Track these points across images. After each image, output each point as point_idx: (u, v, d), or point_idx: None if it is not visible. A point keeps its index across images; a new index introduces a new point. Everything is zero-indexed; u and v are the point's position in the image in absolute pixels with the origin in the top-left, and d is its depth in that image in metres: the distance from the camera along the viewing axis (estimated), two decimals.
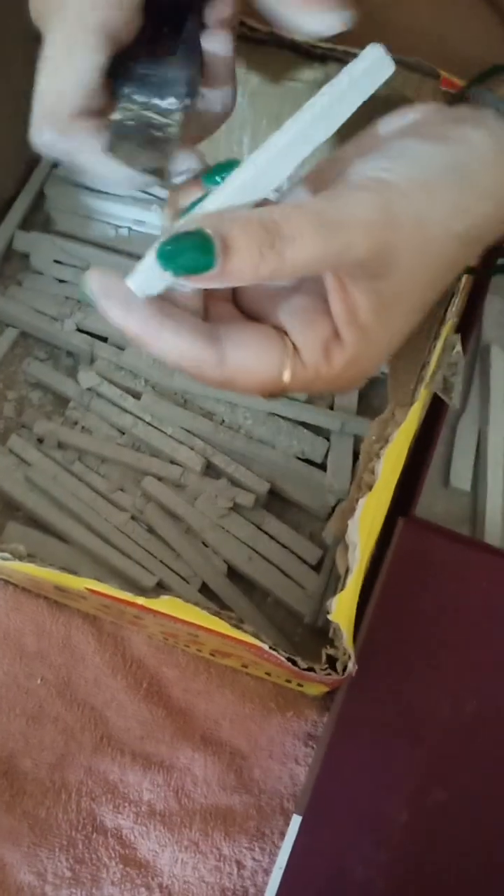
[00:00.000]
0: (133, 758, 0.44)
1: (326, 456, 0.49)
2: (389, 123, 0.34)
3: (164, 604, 0.34)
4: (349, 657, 0.34)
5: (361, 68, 0.31)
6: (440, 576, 0.43)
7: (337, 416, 0.49)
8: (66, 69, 0.33)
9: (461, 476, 0.49)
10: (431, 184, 0.31)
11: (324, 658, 0.34)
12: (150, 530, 0.46)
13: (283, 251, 0.29)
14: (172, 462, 0.48)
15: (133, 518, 0.47)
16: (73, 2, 0.33)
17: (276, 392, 0.32)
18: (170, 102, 0.34)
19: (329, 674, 0.33)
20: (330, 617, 0.33)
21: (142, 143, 0.34)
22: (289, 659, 0.33)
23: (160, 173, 0.34)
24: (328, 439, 0.49)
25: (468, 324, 0.50)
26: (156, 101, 0.34)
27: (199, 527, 0.46)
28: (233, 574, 0.46)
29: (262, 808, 0.43)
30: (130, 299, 0.30)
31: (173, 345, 0.31)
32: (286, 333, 0.32)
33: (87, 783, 0.43)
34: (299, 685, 0.43)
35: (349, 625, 0.34)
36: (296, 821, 0.39)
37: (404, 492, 0.47)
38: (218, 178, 0.32)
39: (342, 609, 0.34)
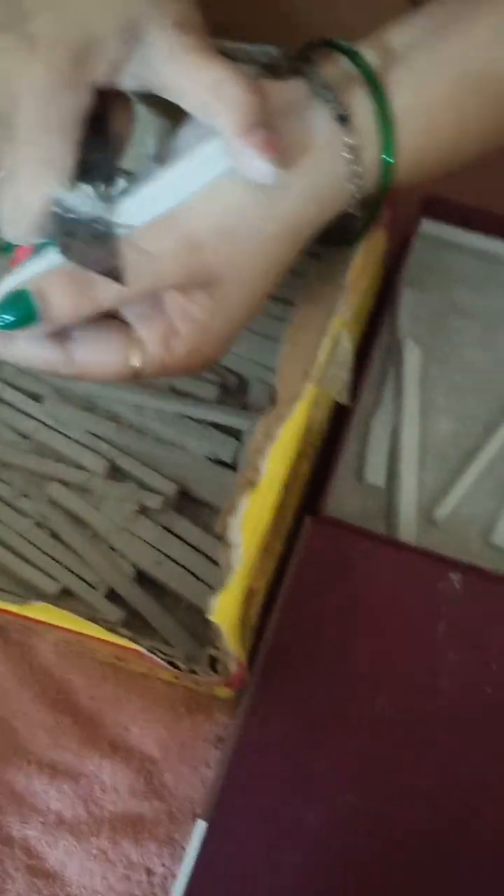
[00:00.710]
0: (40, 767, 0.43)
1: (237, 456, 0.48)
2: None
3: (34, 610, 0.33)
4: (231, 658, 0.33)
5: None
6: (350, 573, 0.43)
7: (247, 415, 0.49)
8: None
9: (375, 472, 0.49)
10: (229, 198, 0.34)
11: (207, 660, 0.34)
12: (55, 536, 0.46)
13: (94, 296, 0.34)
14: (78, 467, 0.47)
15: (38, 524, 0.46)
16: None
17: (131, 378, 0.36)
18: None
19: (211, 675, 0.33)
20: (210, 617, 0.33)
21: (89, 241, 0.34)
22: (169, 662, 0.33)
23: (115, 274, 0.34)
24: (238, 439, 0.48)
25: (380, 317, 0.50)
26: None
27: (105, 531, 0.46)
28: (142, 578, 0.46)
29: (172, 813, 0.43)
30: None
31: (25, 350, 0.35)
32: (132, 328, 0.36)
33: None
34: (208, 687, 0.43)
35: (231, 625, 0.33)
36: (200, 826, 0.39)
37: (316, 489, 0.47)
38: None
39: (223, 609, 0.33)
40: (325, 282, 0.41)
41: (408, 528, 0.47)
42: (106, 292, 0.34)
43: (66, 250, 0.34)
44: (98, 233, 0.34)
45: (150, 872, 0.41)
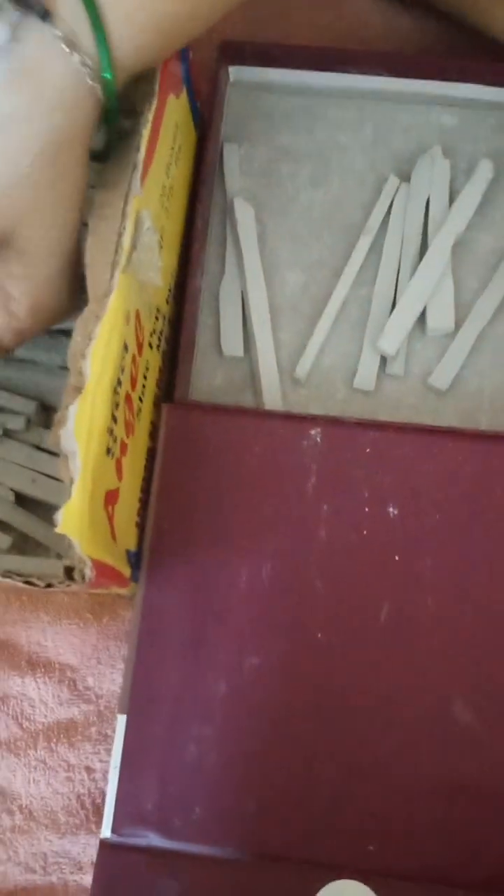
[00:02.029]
0: None
1: None
2: None
3: None
4: (86, 564, 0.34)
5: None
6: (216, 451, 0.43)
7: None
8: None
9: (232, 343, 0.48)
10: None
11: (62, 571, 0.34)
12: None
13: None
14: None
15: None
16: None
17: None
18: None
19: (69, 585, 0.33)
20: (57, 530, 0.33)
21: None
22: (26, 581, 0.33)
23: None
24: None
25: (206, 181, 0.48)
26: None
27: None
28: (22, 500, 0.46)
29: (101, 712, 0.44)
30: None
31: None
32: None
33: None
34: (107, 589, 0.44)
35: (80, 533, 0.33)
36: (121, 720, 0.40)
37: (171, 376, 0.46)
38: None
39: (70, 519, 0.33)
40: (121, 166, 0.40)
41: (272, 393, 0.47)
42: None
43: None
44: None
45: (89, 770, 0.43)
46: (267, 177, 0.50)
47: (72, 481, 0.34)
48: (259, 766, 0.40)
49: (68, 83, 0.34)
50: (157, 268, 0.38)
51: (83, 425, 0.35)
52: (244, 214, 0.49)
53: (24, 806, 0.43)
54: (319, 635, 0.41)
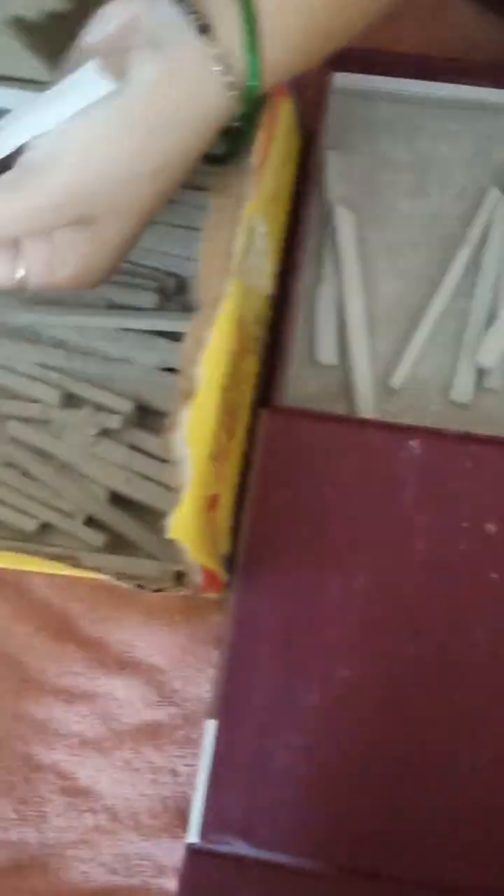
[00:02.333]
0: (55, 695, 0.45)
1: None
2: (92, 35, 0.34)
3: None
4: (196, 570, 0.34)
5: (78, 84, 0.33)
6: (313, 458, 0.43)
7: (189, 318, 0.48)
8: None
9: (327, 350, 0.48)
10: (104, 138, 0.34)
11: (172, 576, 0.34)
12: (24, 473, 0.46)
13: None
14: (32, 401, 0.47)
15: (6, 465, 0.46)
16: None
17: (15, 288, 0.37)
18: None
19: (179, 589, 0.33)
20: (168, 536, 0.33)
21: None
22: (137, 585, 0.33)
23: None
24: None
25: (307, 189, 0.48)
26: None
27: (71, 460, 0.46)
28: (117, 499, 0.46)
29: (187, 716, 0.44)
30: None
31: None
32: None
33: (16, 728, 0.44)
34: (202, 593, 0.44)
35: (191, 539, 0.34)
36: (211, 725, 0.40)
37: (268, 382, 0.46)
38: None
39: (181, 526, 0.33)
40: (234, 172, 0.40)
41: (367, 402, 0.46)
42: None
43: None
44: None
45: (175, 774, 0.43)
46: (366, 185, 0.50)
47: (182, 487, 0.34)
48: (348, 778, 0.40)
49: (212, 100, 0.34)
50: (268, 274, 0.38)
51: (194, 431, 0.35)
52: (344, 222, 0.49)
53: (108, 806, 0.43)
54: (412, 650, 0.40)
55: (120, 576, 0.33)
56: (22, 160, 0.35)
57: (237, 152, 0.39)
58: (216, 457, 0.38)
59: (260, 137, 0.39)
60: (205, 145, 0.36)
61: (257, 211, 0.38)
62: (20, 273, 0.36)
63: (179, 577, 0.34)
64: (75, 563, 0.33)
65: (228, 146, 0.38)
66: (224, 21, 0.33)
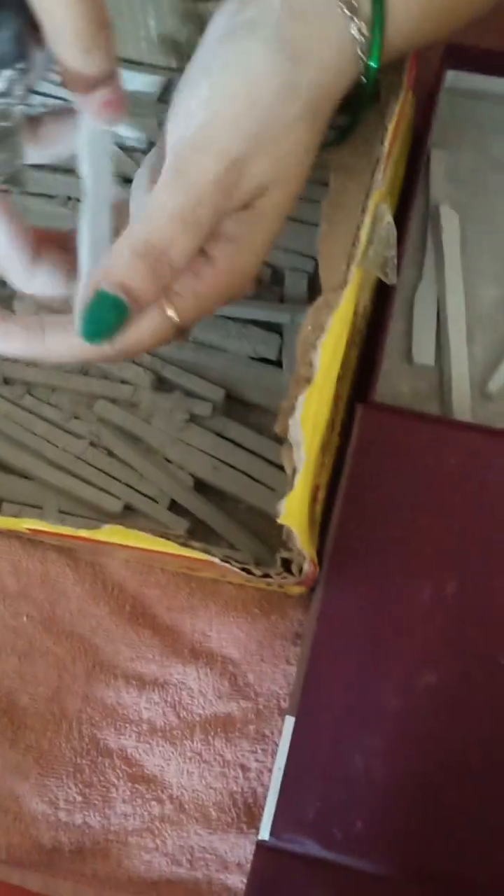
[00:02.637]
0: (127, 680, 0.44)
1: (281, 352, 0.47)
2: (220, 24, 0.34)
3: (105, 533, 0.33)
4: (305, 558, 0.33)
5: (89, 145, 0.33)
6: (407, 458, 0.42)
7: (286, 308, 0.47)
8: None
9: (424, 351, 0.47)
10: (250, 95, 0.32)
11: (279, 562, 0.34)
12: (111, 454, 0.45)
13: (171, 261, 0.32)
14: (122, 382, 0.46)
15: (92, 444, 0.45)
16: None
17: (178, 337, 0.34)
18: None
19: (285, 577, 0.33)
20: (280, 520, 0.32)
21: None
22: (243, 568, 0.33)
23: (15, 180, 0.32)
24: (280, 334, 0.47)
25: (413, 185, 0.47)
26: None
27: (159, 444, 0.45)
28: (201, 486, 0.45)
29: (259, 711, 0.43)
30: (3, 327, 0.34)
31: (65, 346, 0.34)
32: None
33: (85, 710, 0.44)
34: (280, 586, 0.43)
35: (302, 526, 0.33)
36: (289, 721, 0.40)
37: (366, 376, 0.45)
38: None
39: (292, 511, 0.33)
40: (358, 153, 0.39)
41: (462, 406, 0.46)
42: (179, 253, 0.32)
43: None
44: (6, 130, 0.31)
45: (244, 768, 0.43)
46: (472, 186, 0.49)
47: (295, 471, 0.33)
48: (427, 786, 0.39)
49: (342, 47, 0.33)
50: (393, 265, 0.37)
51: (309, 417, 0.34)
52: (449, 222, 0.48)
53: (174, 796, 0.42)
54: (502, 661, 0.39)
55: (227, 559, 0.32)
56: (171, 148, 0.34)
57: (355, 127, 0.38)
58: (324, 446, 0.37)
59: (389, 127, 0.38)
60: (337, 98, 0.35)
61: (383, 200, 0.38)
62: (171, 313, 0.34)
63: (287, 565, 0.34)
64: (184, 542, 0.32)
65: (349, 119, 0.37)
66: None
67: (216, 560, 0.32)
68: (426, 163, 0.49)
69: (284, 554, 0.34)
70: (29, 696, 0.44)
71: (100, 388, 0.46)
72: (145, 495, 0.45)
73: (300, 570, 0.33)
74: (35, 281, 0.36)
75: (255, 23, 0.32)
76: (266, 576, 0.33)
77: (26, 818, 0.42)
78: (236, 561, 0.32)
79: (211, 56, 0.33)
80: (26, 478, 0.45)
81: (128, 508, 0.45)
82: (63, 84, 0.31)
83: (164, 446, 0.45)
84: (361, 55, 0.34)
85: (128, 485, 0.45)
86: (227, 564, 0.32)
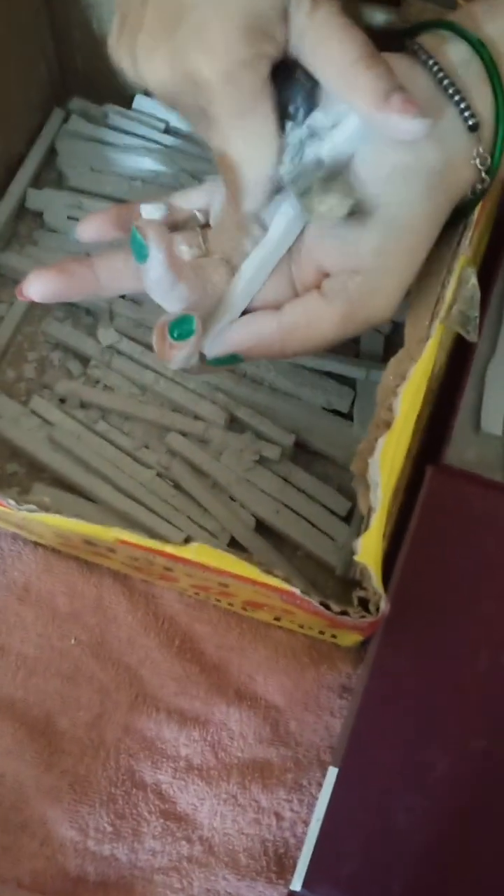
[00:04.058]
0: (169, 714, 0.44)
1: (353, 406, 0.48)
2: None
3: (192, 551, 0.34)
4: (380, 597, 0.33)
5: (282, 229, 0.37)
6: (472, 523, 0.42)
7: (362, 364, 0.48)
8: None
9: (493, 420, 0.48)
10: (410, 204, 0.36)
11: (355, 601, 0.34)
12: (177, 486, 0.46)
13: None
14: (196, 417, 0.47)
15: (159, 475, 0.46)
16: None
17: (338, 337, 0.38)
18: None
19: (363, 616, 0.33)
20: (356, 558, 0.32)
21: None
22: (321, 603, 0.33)
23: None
24: (354, 388, 0.48)
25: (493, 263, 0.49)
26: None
27: (225, 481, 0.46)
28: (261, 528, 0.46)
29: (298, 760, 0.43)
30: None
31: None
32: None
33: (124, 740, 0.43)
34: (333, 636, 0.43)
35: (377, 564, 0.33)
36: (332, 772, 0.39)
37: (433, 439, 0.46)
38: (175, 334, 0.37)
39: (368, 549, 0.33)
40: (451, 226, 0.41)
41: None
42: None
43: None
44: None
45: (279, 817, 0.42)
46: None
47: (371, 510, 0.34)
48: (470, 853, 0.38)
49: (466, 188, 0.37)
50: (475, 325, 0.38)
51: (387, 459, 0.35)
52: None
53: (205, 837, 0.42)
54: None
55: (306, 592, 0.32)
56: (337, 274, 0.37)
57: (456, 222, 0.40)
58: (395, 493, 0.37)
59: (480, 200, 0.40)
60: (450, 209, 0.38)
61: (469, 265, 0.39)
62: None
63: (364, 604, 0.34)
64: (266, 570, 0.33)
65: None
66: (486, 121, 0.36)
67: (296, 591, 0.32)
68: None
69: (360, 593, 0.34)
70: (69, 720, 0.44)
71: (173, 420, 0.47)
72: (206, 530, 0.45)
73: (377, 609, 0.33)
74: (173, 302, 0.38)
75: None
76: (344, 613, 0.33)
77: (54, 844, 0.42)
78: (314, 593, 0.33)
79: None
80: (91, 501, 0.46)
81: (188, 541, 0.45)
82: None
83: (230, 484, 0.46)
84: (481, 170, 0.37)
85: (190, 518, 0.45)
86: (305, 597, 0.32)
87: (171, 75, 0.34)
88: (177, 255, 0.37)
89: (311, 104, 0.36)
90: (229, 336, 0.38)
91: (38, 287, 0.38)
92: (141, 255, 0.36)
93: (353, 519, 0.46)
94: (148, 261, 0.36)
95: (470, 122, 0.35)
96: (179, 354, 0.37)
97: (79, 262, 0.39)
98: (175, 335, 0.37)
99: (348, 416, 0.48)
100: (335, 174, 0.35)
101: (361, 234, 0.36)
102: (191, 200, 0.40)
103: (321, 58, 0.34)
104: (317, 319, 0.37)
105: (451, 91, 0.35)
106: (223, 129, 0.35)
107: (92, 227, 0.39)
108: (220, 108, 0.34)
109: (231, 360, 0.39)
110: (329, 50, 0.34)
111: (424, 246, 0.37)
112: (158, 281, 0.36)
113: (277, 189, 0.36)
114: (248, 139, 0.35)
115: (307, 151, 0.35)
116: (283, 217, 0.37)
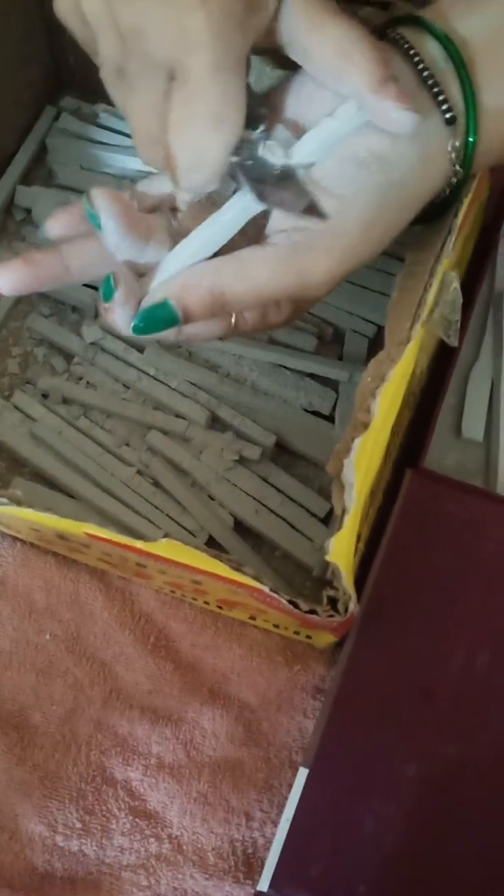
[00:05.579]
0: (142, 712, 0.44)
1: (334, 408, 0.48)
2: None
3: (162, 547, 0.33)
4: (350, 597, 0.33)
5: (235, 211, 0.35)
6: (449, 527, 0.42)
7: (345, 366, 0.48)
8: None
9: (473, 427, 0.48)
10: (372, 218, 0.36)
11: (325, 600, 0.34)
12: (156, 484, 0.46)
13: (238, 324, 0.36)
14: (177, 416, 0.47)
15: (139, 472, 0.46)
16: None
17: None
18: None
19: (332, 615, 0.33)
20: (328, 558, 0.33)
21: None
22: (290, 601, 0.33)
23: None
24: (336, 391, 0.48)
25: (479, 269, 0.49)
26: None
27: (204, 480, 0.46)
28: (240, 528, 0.46)
29: (270, 760, 0.43)
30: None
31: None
32: None
33: (96, 737, 0.43)
34: (308, 637, 0.43)
35: (348, 565, 0.33)
36: (302, 773, 0.39)
37: (414, 443, 0.46)
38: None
39: (340, 549, 0.33)
40: (433, 229, 0.41)
41: None
42: (245, 321, 0.37)
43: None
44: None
45: (248, 817, 0.42)
46: None
47: (344, 511, 0.34)
48: (436, 859, 0.38)
49: (440, 180, 0.38)
50: (456, 329, 0.38)
51: (363, 461, 0.35)
52: None
53: (173, 836, 0.42)
54: None
55: (275, 590, 0.32)
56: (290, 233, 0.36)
57: (436, 217, 0.40)
58: (372, 495, 0.37)
59: (465, 201, 0.40)
60: (425, 201, 0.38)
61: (452, 269, 0.39)
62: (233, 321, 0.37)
63: (334, 603, 0.34)
64: (236, 567, 0.33)
65: (431, 212, 0.39)
66: (461, 115, 0.36)
67: (265, 588, 0.32)
68: (494, 249, 0.50)
69: (331, 592, 0.34)
70: (42, 715, 0.44)
71: (154, 418, 0.47)
72: (185, 528, 0.45)
73: (346, 609, 0.33)
74: (146, 255, 0.37)
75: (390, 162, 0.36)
76: (312, 612, 0.33)
77: (22, 838, 0.41)
78: (283, 591, 0.33)
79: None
80: (71, 497, 0.46)
81: (166, 538, 0.45)
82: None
83: (209, 483, 0.46)
84: (456, 177, 0.37)
85: (169, 516, 0.45)
86: (274, 595, 0.32)
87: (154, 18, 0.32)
88: (132, 211, 0.36)
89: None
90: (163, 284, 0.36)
91: (3, 280, 0.37)
92: (95, 221, 0.35)
93: (332, 521, 0.46)
94: (102, 221, 0.35)
95: (447, 116, 0.36)
96: (113, 317, 0.36)
97: (45, 252, 0.37)
98: (104, 297, 0.36)
99: (330, 419, 0.48)
100: (289, 174, 0.35)
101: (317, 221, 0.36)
102: (157, 186, 0.39)
103: (317, 35, 0.34)
104: (249, 259, 0.35)
105: (430, 83, 0.35)
106: (199, 80, 0.32)
107: (60, 223, 0.38)
108: (202, 58, 0.32)
109: (165, 314, 0.35)
110: (328, 28, 0.33)
111: (382, 235, 0.37)
112: (119, 239, 0.36)
113: (231, 172, 0.35)
114: (225, 95, 0.33)
115: (263, 152, 0.35)
116: (237, 200, 0.36)
